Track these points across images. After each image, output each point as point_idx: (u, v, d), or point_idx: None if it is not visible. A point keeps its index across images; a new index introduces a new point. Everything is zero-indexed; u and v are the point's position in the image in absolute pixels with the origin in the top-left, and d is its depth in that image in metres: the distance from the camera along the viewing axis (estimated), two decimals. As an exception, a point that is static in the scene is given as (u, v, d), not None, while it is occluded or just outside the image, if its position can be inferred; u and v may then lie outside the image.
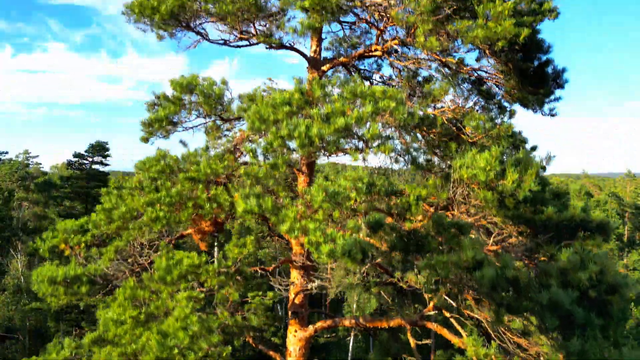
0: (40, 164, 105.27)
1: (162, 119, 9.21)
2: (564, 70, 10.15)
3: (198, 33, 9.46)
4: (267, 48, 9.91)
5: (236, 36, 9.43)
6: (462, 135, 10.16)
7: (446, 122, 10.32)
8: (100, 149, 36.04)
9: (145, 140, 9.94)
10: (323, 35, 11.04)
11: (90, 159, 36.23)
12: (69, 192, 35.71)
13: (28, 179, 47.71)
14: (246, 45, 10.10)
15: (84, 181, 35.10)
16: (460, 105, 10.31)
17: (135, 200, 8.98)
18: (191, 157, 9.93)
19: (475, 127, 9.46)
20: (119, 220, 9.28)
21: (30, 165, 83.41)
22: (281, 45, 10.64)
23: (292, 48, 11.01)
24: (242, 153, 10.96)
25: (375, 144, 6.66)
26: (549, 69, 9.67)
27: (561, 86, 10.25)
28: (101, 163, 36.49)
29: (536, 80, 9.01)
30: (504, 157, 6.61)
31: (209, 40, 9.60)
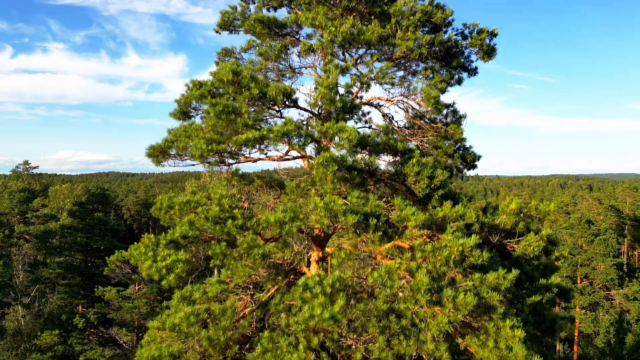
0: (40, 174, 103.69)
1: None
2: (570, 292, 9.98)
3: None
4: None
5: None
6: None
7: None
8: (101, 197, 35.88)
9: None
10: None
11: (91, 207, 36.10)
12: (70, 242, 35.58)
13: (29, 212, 47.53)
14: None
15: (84, 232, 34.99)
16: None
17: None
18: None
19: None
20: None
21: (31, 171, 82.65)
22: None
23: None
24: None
25: None
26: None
27: (568, 300, 10.08)
28: (102, 211, 36.35)
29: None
30: None
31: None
